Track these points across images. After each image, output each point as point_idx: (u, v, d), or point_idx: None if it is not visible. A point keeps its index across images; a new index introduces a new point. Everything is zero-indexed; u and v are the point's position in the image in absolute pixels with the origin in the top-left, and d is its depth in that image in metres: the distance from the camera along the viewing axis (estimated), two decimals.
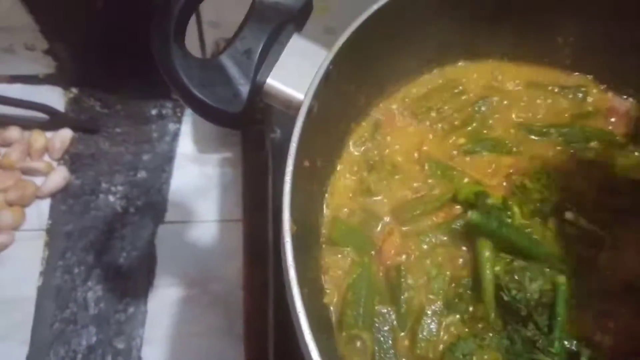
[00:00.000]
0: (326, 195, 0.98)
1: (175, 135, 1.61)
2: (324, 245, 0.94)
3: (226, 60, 0.79)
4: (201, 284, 1.44)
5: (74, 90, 1.64)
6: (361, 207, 0.98)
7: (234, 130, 1.54)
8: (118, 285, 1.43)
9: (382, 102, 1.08)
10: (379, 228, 0.96)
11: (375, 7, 0.89)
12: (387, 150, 1.04)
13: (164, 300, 1.43)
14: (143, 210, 1.53)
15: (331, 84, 0.87)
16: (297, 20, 0.85)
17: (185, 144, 1.61)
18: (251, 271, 1.45)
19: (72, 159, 1.55)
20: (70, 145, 1.56)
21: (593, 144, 1.06)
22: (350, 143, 1.04)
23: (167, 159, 1.58)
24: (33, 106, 1.51)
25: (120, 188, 1.54)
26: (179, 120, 1.64)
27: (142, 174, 1.55)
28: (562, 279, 0.89)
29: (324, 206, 0.97)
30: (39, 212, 1.47)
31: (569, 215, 0.98)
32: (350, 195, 0.99)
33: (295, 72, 0.83)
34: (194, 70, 0.77)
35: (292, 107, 0.82)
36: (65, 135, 1.55)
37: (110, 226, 1.49)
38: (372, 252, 0.95)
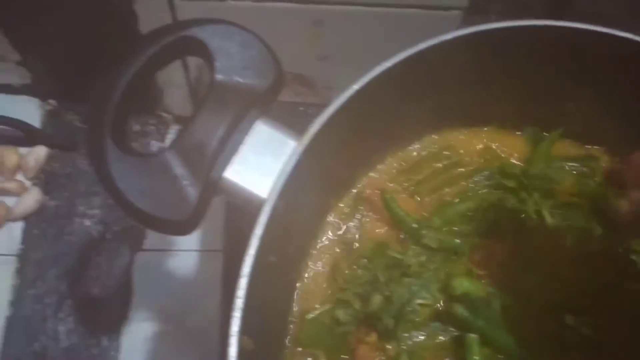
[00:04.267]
0: (297, 286, 0.84)
1: None
2: (289, 350, 0.80)
3: (172, 158, 0.63)
4: (178, 320, 1.32)
5: (52, 102, 1.48)
6: (336, 301, 0.83)
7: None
8: (91, 317, 1.31)
9: (364, 173, 0.92)
10: (354, 327, 0.82)
11: (356, 87, 0.73)
12: (370, 230, 0.88)
13: (138, 335, 1.31)
14: (120, 237, 1.39)
15: (303, 173, 0.71)
16: (263, 102, 0.69)
17: None
18: (229, 310, 1.32)
19: (47, 179, 1.41)
20: (45, 164, 1.42)
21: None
22: (328, 221, 0.88)
23: None
24: (6, 122, 1.36)
25: (96, 211, 1.40)
26: (162, 138, 1.48)
27: None
28: None
29: (294, 301, 0.83)
30: (10, 236, 1.35)
31: (569, 319, 0.83)
32: (325, 285, 0.85)
33: (258, 168, 0.68)
34: (133, 172, 0.62)
35: (252, 208, 0.67)
36: (40, 152, 1.41)
37: (85, 253, 1.37)
38: (345, 356, 0.81)
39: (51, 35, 1.27)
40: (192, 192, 0.64)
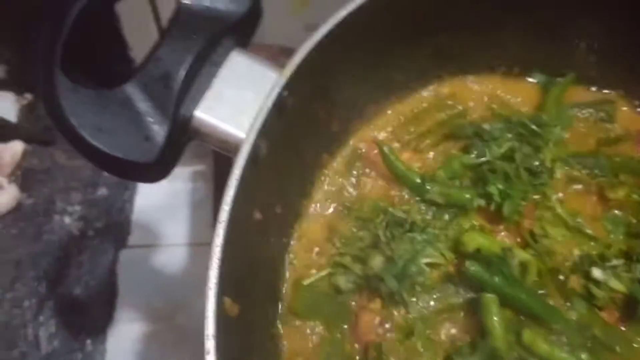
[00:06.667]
0: (289, 249, 0.76)
1: None
2: (284, 319, 0.72)
3: (134, 91, 0.56)
4: (168, 318, 1.23)
5: (28, 96, 1.42)
6: (333, 265, 0.75)
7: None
8: (74, 320, 1.23)
9: (361, 127, 0.84)
10: (355, 293, 0.74)
11: (345, 10, 0.65)
12: (368, 188, 0.80)
13: (125, 337, 1.22)
14: (103, 233, 1.31)
15: (287, 114, 0.64)
16: (239, 31, 0.62)
17: None
18: None
19: (24, 175, 1.34)
20: (22, 160, 1.34)
21: (623, 177, 0.82)
22: (322, 180, 0.80)
23: None
24: None
25: (77, 208, 1.33)
26: None
27: (102, 192, 1.34)
28: None
29: (286, 266, 0.75)
30: None
31: (596, 273, 0.74)
32: (320, 250, 0.76)
33: (234, 103, 0.60)
34: (88, 106, 0.54)
35: (230, 149, 0.59)
36: (16, 148, 1.34)
37: (66, 252, 1.28)
38: (346, 326, 0.72)
39: (23, 24, 1.21)
40: (158, 130, 0.56)
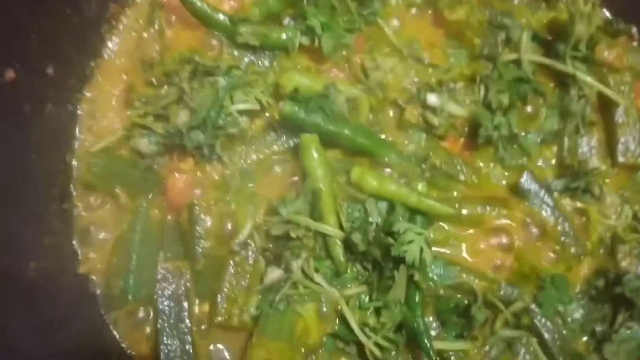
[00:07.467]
0: (76, 117, 0.67)
1: None
2: (76, 192, 0.64)
3: None
4: None
5: None
6: (131, 127, 0.66)
7: None
8: None
9: None
10: (162, 156, 0.66)
11: None
12: (173, 38, 0.71)
13: None
14: None
15: None
16: None
17: None
18: None
19: None
20: None
21: None
22: (114, 35, 0.70)
23: None
24: None
25: None
26: None
27: None
28: None
29: (75, 136, 0.66)
30: None
31: (432, 99, 0.68)
32: (115, 113, 0.68)
33: None
34: None
35: None
36: None
37: None
38: (153, 193, 0.65)
39: None
40: None
